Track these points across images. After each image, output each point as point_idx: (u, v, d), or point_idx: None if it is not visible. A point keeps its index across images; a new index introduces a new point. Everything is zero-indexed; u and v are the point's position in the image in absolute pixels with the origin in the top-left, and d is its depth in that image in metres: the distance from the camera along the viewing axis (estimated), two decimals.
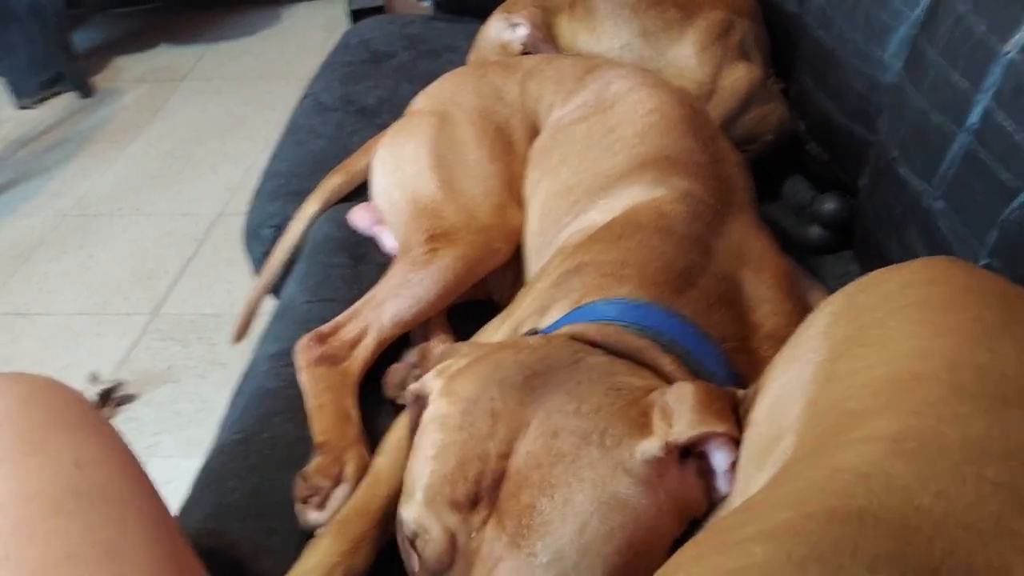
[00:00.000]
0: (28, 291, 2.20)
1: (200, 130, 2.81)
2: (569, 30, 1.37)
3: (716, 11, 1.34)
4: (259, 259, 1.35)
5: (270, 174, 1.45)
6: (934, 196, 0.91)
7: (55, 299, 2.17)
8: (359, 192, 1.26)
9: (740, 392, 0.68)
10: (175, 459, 1.70)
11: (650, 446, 0.62)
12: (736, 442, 0.63)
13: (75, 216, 2.46)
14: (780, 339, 0.80)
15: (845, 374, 0.55)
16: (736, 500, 0.62)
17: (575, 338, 0.73)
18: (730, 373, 0.76)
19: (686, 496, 0.63)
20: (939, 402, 0.48)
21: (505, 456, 0.62)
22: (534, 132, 1.16)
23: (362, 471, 0.85)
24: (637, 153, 1.00)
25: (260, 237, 1.35)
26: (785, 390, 0.60)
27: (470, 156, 1.10)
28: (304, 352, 0.98)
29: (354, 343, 0.98)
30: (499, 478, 0.62)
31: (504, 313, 0.95)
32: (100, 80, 3.13)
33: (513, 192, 1.09)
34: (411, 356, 1.00)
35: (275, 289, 1.27)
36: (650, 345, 0.73)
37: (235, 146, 2.70)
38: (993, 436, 0.44)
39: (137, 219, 2.43)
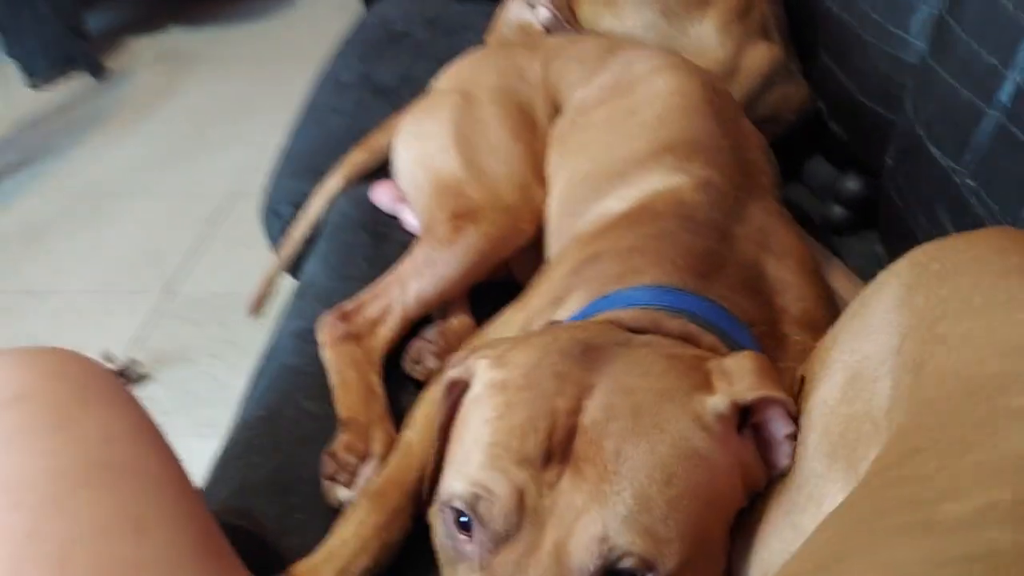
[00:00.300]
0: (40, 270, 2.20)
1: (212, 111, 2.81)
2: (591, 11, 1.36)
3: None
4: (277, 236, 1.35)
5: (289, 152, 1.45)
6: (964, 175, 0.90)
7: (67, 278, 2.17)
8: (380, 170, 1.25)
9: (794, 373, 0.67)
10: (188, 439, 1.69)
11: (719, 402, 0.62)
12: (793, 415, 0.63)
13: (87, 196, 2.46)
14: (808, 323, 0.80)
15: (955, 339, 0.52)
16: (799, 479, 0.60)
17: (613, 323, 0.72)
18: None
19: (748, 462, 0.63)
20: None
21: (575, 412, 0.60)
22: (557, 112, 1.15)
23: (389, 447, 0.85)
24: (657, 137, 0.99)
25: (279, 214, 1.35)
26: (864, 365, 0.58)
27: (493, 135, 1.09)
28: (328, 329, 0.98)
29: (378, 321, 0.98)
30: (571, 433, 0.59)
31: (517, 302, 0.94)
32: (113, 61, 3.12)
33: (537, 172, 1.08)
34: (429, 333, 1.00)
35: (292, 269, 1.27)
36: (689, 325, 0.72)
37: (247, 127, 2.70)
38: None
39: (149, 200, 2.43)
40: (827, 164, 1.30)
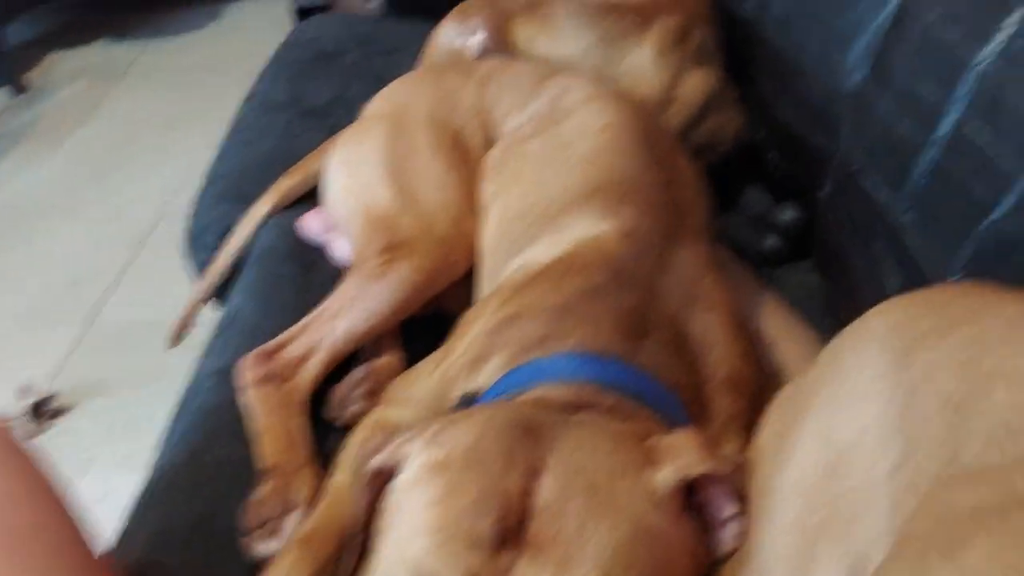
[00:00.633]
0: None
1: (138, 128, 2.73)
2: (525, 35, 1.34)
3: (674, 16, 1.32)
4: (201, 265, 1.29)
5: (214, 176, 1.39)
6: (902, 209, 0.89)
7: None
8: (308, 195, 1.22)
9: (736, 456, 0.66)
10: (111, 472, 1.64)
11: (668, 476, 0.60)
12: (739, 494, 0.61)
13: (5, 218, 2.36)
14: (734, 384, 0.79)
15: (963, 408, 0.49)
16: (759, 561, 0.58)
17: (540, 404, 0.68)
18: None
19: (696, 539, 0.61)
20: None
21: (526, 494, 0.57)
22: (490, 140, 1.12)
23: (316, 492, 0.81)
24: (586, 177, 0.96)
25: (203, 243, 1.30)
26: (847, 443, 0.55)
27: (426, 165, 1.06)
28: (248, 371, 0.93)
29: (302, 360, 0.94)
30: (524, 516, 0.56)
31: (434, 357, 0.91)
32: (34, 76, 3.02)
33: (470, 202, 1.05)
34: (358, 372, 0.96)
35: (219, 293, 1.22)
36: (622, 401, 0.70)
37: (175, 145, 2.62)
38: None
39: (71, 221, 2.35)
40: (764, 193, 1.30)
